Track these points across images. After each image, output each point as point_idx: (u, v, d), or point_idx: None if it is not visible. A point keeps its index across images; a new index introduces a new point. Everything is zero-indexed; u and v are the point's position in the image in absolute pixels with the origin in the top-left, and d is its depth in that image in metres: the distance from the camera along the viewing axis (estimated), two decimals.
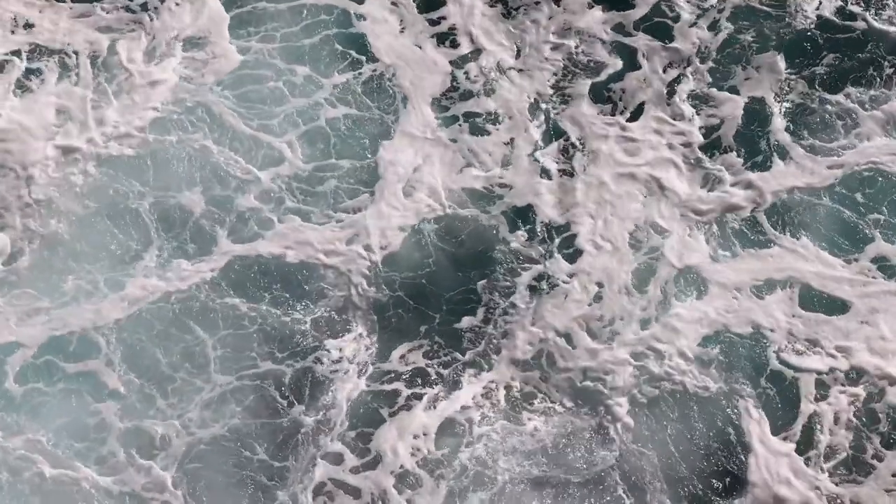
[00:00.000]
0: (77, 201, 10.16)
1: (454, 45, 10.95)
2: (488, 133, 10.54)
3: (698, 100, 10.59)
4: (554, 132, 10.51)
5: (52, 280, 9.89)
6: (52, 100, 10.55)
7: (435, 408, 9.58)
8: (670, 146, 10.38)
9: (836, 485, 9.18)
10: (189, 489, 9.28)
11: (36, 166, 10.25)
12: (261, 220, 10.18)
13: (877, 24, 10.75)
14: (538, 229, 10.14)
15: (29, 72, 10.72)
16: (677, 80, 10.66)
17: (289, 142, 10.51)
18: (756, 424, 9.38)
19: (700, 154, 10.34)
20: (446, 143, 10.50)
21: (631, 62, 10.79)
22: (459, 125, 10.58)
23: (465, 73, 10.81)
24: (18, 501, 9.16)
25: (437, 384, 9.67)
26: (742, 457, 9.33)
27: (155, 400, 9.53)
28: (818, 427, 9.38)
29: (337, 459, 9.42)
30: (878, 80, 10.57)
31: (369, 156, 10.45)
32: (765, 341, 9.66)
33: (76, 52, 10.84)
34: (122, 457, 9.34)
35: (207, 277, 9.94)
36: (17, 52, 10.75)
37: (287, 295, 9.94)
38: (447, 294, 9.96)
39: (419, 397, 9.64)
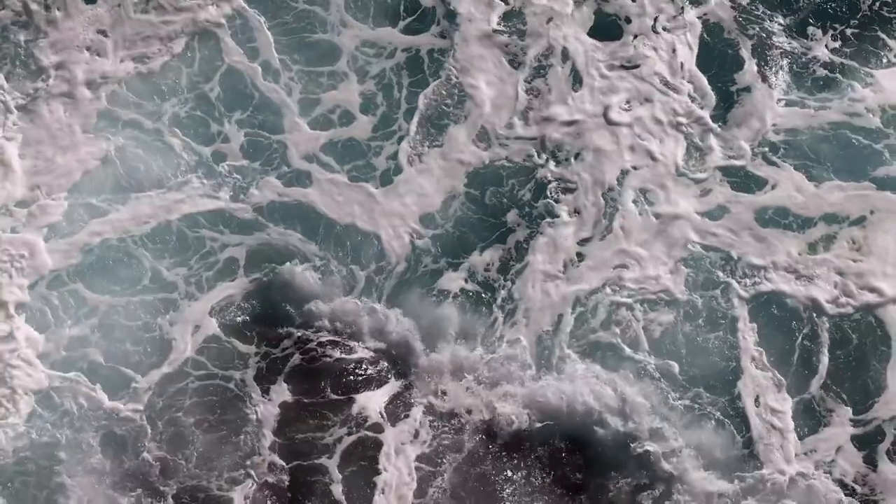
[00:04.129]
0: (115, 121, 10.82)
1: None
2: (532, 78, 11.08)
3: (685, 28, 11.17)
4: (572, 75, 11.09)
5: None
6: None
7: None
8: (665, 81, 11.09)
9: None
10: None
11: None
12: (299, 168, 11.00)
13: None
14: (560, 161, 10.81)
15: None
16: (659, 11, 11.24)
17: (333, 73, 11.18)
18: (742, 336, 10.34)
19: (687, 84, 11.07)
20: (487, 92, 11.00)
21: None
22: (498, 66, 11.06)
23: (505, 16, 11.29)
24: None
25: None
26: (725, 374, 10.31)
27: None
28: (807, 345, 10.41)
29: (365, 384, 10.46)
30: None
31: (408, 107, 11.10)
32: (741, 260, 10.56)
33: None
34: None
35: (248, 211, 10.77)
36: None
37: (320, 242, 10.74)
38: (476, 237, 10.74)
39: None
